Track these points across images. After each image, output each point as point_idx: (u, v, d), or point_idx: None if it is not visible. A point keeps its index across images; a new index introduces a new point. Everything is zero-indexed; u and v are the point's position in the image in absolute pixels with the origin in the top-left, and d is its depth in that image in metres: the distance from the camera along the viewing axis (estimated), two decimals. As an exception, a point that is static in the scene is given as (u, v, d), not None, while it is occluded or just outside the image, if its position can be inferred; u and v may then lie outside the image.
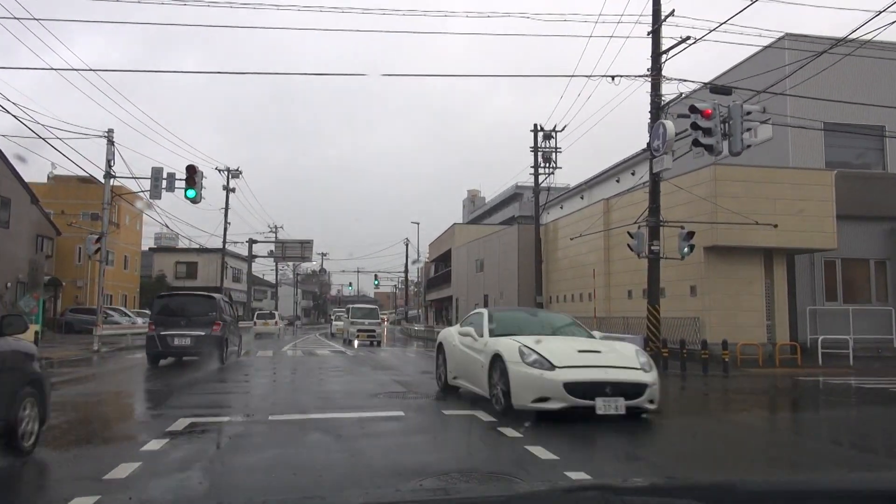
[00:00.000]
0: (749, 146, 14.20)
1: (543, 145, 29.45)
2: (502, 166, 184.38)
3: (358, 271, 78.42)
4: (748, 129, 14.32)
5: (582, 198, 36.25)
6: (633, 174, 30.38)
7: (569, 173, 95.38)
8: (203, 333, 14.55)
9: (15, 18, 16.64)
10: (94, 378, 12.57)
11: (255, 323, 38.74)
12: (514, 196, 62.84)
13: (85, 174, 25.41)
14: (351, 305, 31.29)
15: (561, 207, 38.29)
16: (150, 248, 54.13)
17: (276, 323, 39.34)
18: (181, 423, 6.57)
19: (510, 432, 6.36)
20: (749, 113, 14.24)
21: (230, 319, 16.71)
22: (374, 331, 27.40)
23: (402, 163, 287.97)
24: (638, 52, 18.68)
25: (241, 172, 43.19)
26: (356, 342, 26.64)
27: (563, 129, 28.92)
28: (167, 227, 43.98)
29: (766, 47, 19.45)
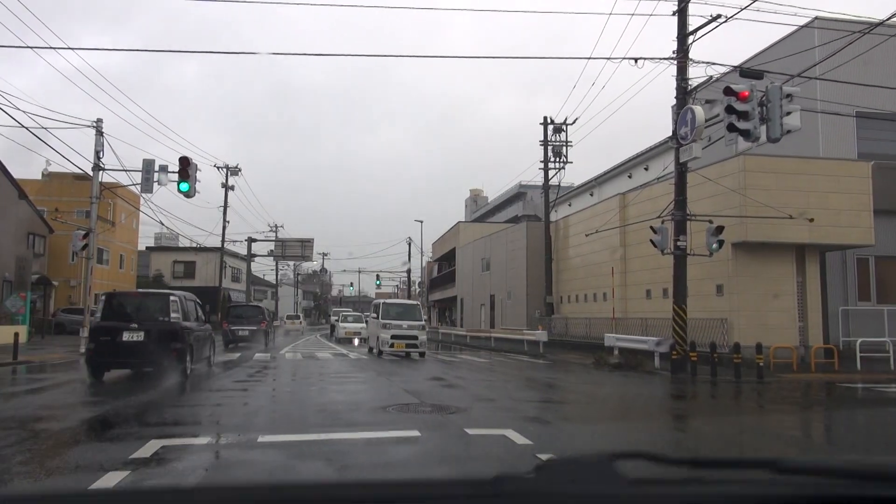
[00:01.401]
0: (789, 132, 12.98)
1: (553, 139, 28.30)
2: (504, 167, 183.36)
3: (359, 271, 77.10)
4: (788, 114, 13.11)
5: (591, 195, 35.03)
6: (646, 169, 29.17)
7: (574, 173, 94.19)
8: (255, 328, 24.32)
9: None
10: (67, 386, 11.35)
11: (283, 322, 50.34)
12: (517, 195, 61.70)
13: (80, 171, 24.25)
14: (383, 301, 21.14)
15: (569, 205, 37.07)
16: (146, 248, 52.93)
17: (300, 322, 51.65)
18: (150, 448, 5.38)
19: (549, 457, 5.17)
20: (789, 95, 13.03)
21: (269, 320, 27.34)
22: (415, 338, 18.67)
23: (404, 163, 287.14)
24: (657, 42, 17.50)
25: (240, 170, 42.08)
26: (386, 351, 18.85)
27: (573, 122, 27.80)
28: (162, 223, 42.77)
29: (797, 29, 18.28)
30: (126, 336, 11.20)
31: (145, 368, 11.69)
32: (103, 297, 12.37)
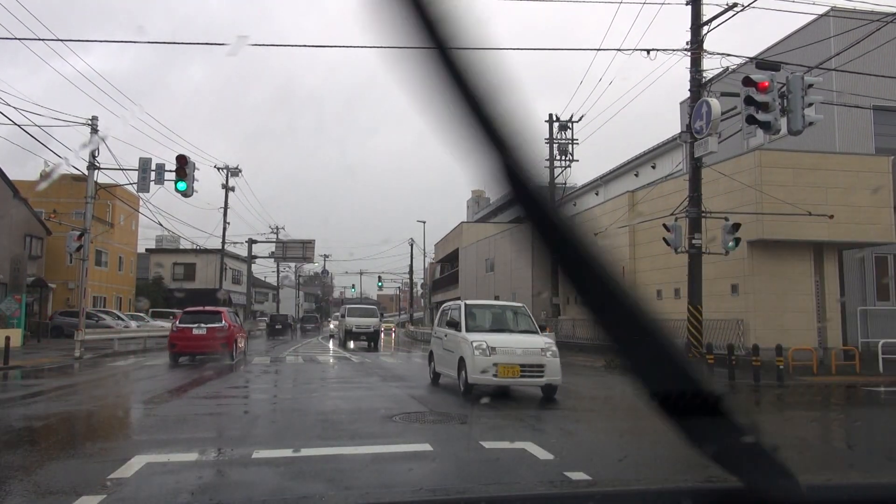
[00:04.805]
0: (811, 123, 12.41)
1: (558, 136, 27.71)
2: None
3: (361, 273, 76.46)
4: (809, 105, 12.54)
5: (597, 194, 34.48)
6: (653, 167, 28.62)
7: (577, 174, 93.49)
8: (315, 325, 53.91)
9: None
10: (54, 392, 10.76)
11: (330, 320, 69.03)
12: (520, 195, 61.01)
13: (78, 172, 23.70)
14: None
15: (574, 204, 36.48)
16: (146, 249, 52.36)
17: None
18: (133, 465, 4.82)
19: (581, 477, 4.63)
20: (811, 86, 12.46)
21: (320, 318, 61.93)
22: None
23: (406, 165, 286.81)
24: (669, 35, 16.92)
25: (240, 171, 41.51)
26: None
27: (579, 120, 27.21)
28: (161, 224, 42.15)
29: (813, 20, 17.72)
30: (278, 327, 42.96)
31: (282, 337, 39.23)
32: (268, 317, 47.54)
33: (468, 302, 11.60)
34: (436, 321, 12.69)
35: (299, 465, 5.07)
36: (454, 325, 10.73)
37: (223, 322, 17.61)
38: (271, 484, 4.48)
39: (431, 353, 12.30)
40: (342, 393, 10.71)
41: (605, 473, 4.97)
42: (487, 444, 5.79)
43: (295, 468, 5.00)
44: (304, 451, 5.58)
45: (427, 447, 5.62)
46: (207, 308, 19.44)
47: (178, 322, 17.88)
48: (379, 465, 5.15)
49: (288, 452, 5.51)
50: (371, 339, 27.04)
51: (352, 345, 27.29)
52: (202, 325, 17.32)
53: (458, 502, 1.33)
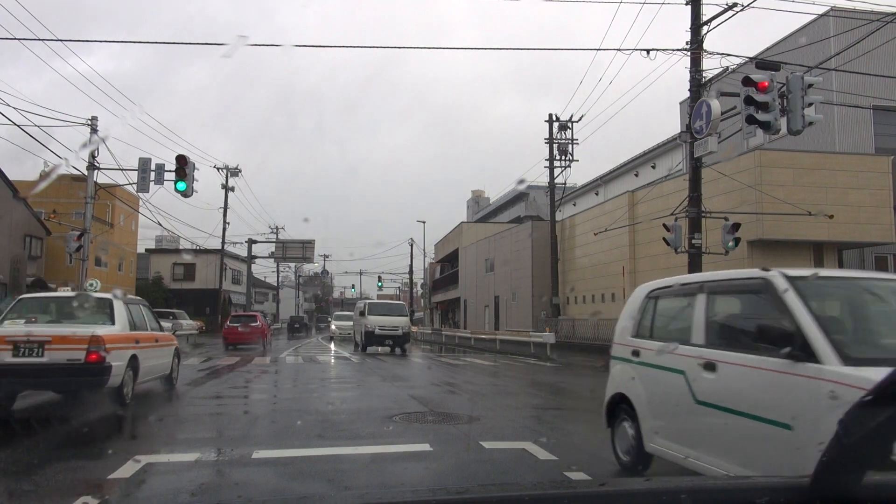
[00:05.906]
0: (811, 123, 12.40)
1: (558, 136, 27.68)
2: (506, 168, 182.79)
3: (361, 273, 76.34)
4: (809, 104, 12.54)
5: (597, 194, 34.47)
6: (653, 167, 28.62)
7: (576, 175, 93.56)
8: (327, 324, 44.02)
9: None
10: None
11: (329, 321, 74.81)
12: (519, 195, 61.02)
13: (78, 172, 23.68)
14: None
15: (574, 204, 36.52)
16: (146, 250, 52.42)
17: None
18: (132, 466, 4.82)
19: (581, 477, 4.64)
20: (811, 86, 12.45)
21: (330, 319, 43.49)
22: None
23: (406, 165, 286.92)
24: (669, 35, 16.94)
25: (240, 171, 41.49)
26: None
27: (579, 120, 27.17)
28: (160, 224, 42.20)
29: (813, 20, 17.73)
30: (296, 326, 51.91)
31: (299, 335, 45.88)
32: (288, 318, 54.91)
33: (790, 272, 3.79)
34: (635, 320, 5.49)
35: (299, 465, 5.07)
36: (771, 334, 3.54)
37: (258, 322, 25.35)
38: (271, 484, 4.49)
39: (616, 401, 5.45)
40: (342, 393, 10.72)
41: (606, 474, 4.96)
42: (487, 445, 5.79)
43: (295, 468, 5.00)
44: (304, 451, 5.59)
45: (427, 447, 5.63)
46: (248, 312, 29.12)
47: (228, 322, 25.54)
48: (379, 466, 5.15)
49: (288, 452, 5.52)
50: (399, 344, 22.09)
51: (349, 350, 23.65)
52: (245, 323, 24.75)
53: (458, 502, 1.33)
